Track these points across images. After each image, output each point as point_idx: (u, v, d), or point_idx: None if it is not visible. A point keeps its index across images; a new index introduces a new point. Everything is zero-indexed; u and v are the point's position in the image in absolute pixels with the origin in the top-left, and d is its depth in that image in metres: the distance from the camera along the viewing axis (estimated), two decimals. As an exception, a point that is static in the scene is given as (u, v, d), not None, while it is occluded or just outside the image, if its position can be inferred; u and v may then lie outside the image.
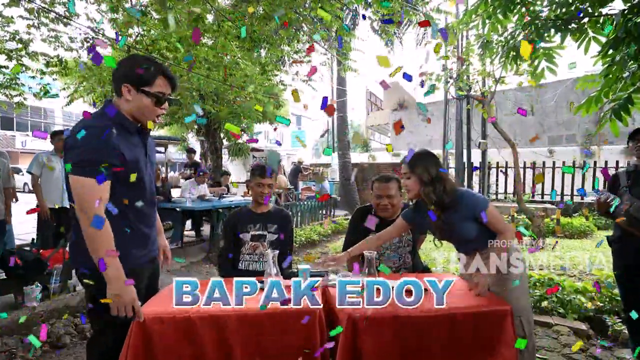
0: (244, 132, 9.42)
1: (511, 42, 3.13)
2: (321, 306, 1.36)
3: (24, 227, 5.16)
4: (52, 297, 2.93)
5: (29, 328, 2.68)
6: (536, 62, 3.12)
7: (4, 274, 2.80)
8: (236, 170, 12.72)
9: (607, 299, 2.94)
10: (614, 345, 2.53)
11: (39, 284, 2.81)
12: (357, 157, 15.47)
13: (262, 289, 1.52)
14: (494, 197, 9.33)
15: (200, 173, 5.85)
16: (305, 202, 7.33)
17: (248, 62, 5.59)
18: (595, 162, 8.86)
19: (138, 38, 4.75)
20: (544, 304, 2.98)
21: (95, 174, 1.21)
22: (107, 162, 1.24)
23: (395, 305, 1.40)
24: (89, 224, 1.20)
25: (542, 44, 2.95)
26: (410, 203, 1.89)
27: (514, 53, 3.16)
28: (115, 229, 1.28)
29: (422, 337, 1.34)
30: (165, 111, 1.42)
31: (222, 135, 9.19)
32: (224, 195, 6.20)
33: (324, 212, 8.01)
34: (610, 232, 2.33)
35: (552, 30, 2.69)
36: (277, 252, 1.52)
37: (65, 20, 4.41)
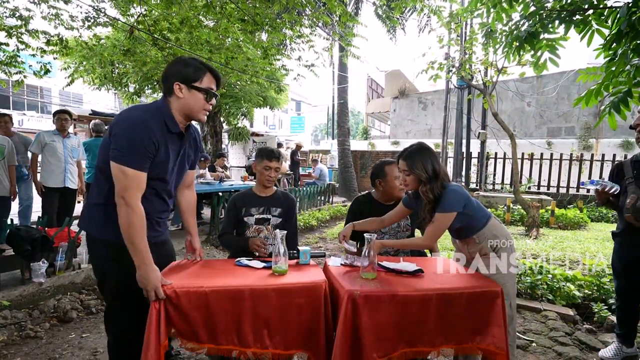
0: (244, 116, 9.40)
1: (515, 32, 3.14)
2: (325, 280, 1.45)
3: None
4: (57, 273, 3.01)
5: (37, 302, 2.77)
6: (539, 53, 3.12)
7: (11, 250, 2.86)
8: (236, 155, 12.71)
9: (595, 287, 3.05)
10: (598, 330, 2.65)
11: (45, 261, 2.87)
12: (356, 144, 15.47)
13: (267, 268, 1.60)
14: (491, 187, 9.43)
15: (202, 159, 5.88)
16: (305, 188, 7.39)
17: (250, 45, 5.55)
18: (592, 155, 8.93)
19: (140, 18, 4.70)
20: (535, 290, 3.09)
21: (139, 164, 1.32)
22: (148, 154, 1.33)
23: (392, 284, 1.48)
24: (126, 212, 1.30)
25: (546, 35, 2.95)
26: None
27: (517, 43, 3.16)
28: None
29: (417, 314, 1.41)
30: (212, 107, 1.49)
31: (221, 119, 9.18)
32: (224, 179, 6.24)
33: (322, 198, 8.08)
34: (603, 225, 2.39)
35: (557, 22, 2.70)
36: (285, 232, 1.57)
37: (65, -3, 4.35)
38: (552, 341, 2.44)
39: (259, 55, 6.07)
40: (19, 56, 4.57)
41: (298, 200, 6.86)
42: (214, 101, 1.48)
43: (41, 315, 2.67)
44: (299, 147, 10.58)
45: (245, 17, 4.88)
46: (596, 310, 2.80)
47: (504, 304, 1.48)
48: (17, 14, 4.38)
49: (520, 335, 2.48)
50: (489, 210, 1.84)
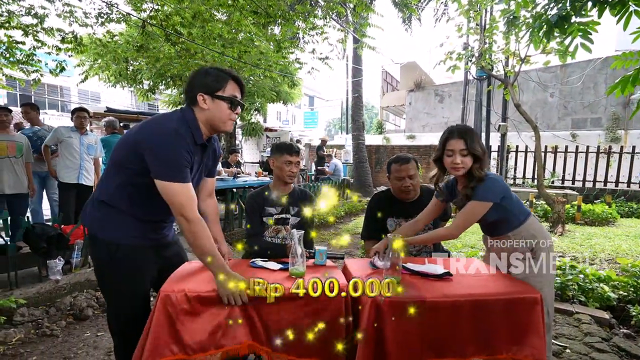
0: (257, 111, 9.35)
1: (544, 16, 2.94)
2: (345, 284, 1.33)
3: (46, 203, 5.30)
4: (74, 270, 3.01)
5: (54, 300, 2.78)
6: (568, 39, 2.90)
7: (28, 247, 2.87)
8: (250, 150, 12.72)
9: (632, 289, 2.84)
10: (637, 335, 2.46)
11: (61, 258, 2.87)
12: (371, 138, 15.24)
13: (284, 269, 1.50)
14: (512, 182, 9.10)
15: None
16: (319, 184, 7.29)
17: (263, 38, 5.45)
18: (622, 147, 8.48)
19: (152, 13, 4.66)
20: (565, 291, 2.91)
21: (184, 176, 1.30)
22: (189, 163, 1.32)
23: (418, 289, 1.36)
24: (189, 227, 1.30)
25: (578, 19, 2.74)
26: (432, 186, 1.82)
27: (546, 28, 2.95)
28: (123, 207, 1.35)
29: (446, 322, 1.30)
30: (237, 115, 1.46)
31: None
32: (239, 175, 6.21)
33: (337, 193, 7.96)
34: (634, 221, 2.21)
35: (589, 4, 2.50)
36: (302, 232, 1.47)
37: (79, -6, 4.34)
38: (588, 347, 2.27)
39: (272, 48, 5.97)
40: (35, 55, 4.60)
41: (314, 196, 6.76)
42: (239, 110, 1.44)
43: (58, 313, 2.67)
44: (324, 141, 10.44)
45: (258, 10, 4.77)
46: (634, 313, 2.61)
47: (543, 310, 1.35)
48: (33, 12, 4.40)
49: (553, 341, 2.32)
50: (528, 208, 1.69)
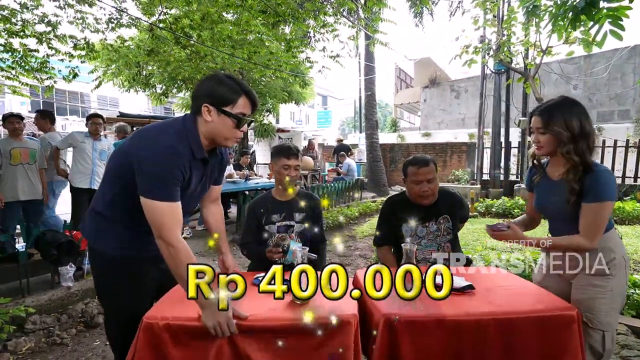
0: (269, 112, 9.31)
1: (569, 2, 2.73)
2: (355, 315, 1.17)
3: (59, 208, 5.40)
4: (85, 277, 3.00)
5: (66, 307, 2.77)
6: (595, 27, 2.67)
7: (39, 254, 2.88)
8: (262, 151, 12.71)
9: (673, 295, 2.61)
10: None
11: (72, 265, 2.87)
12: (384, 137, 14.99)
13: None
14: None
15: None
16: (332, 184, 7.17)
17: (273, 38, 5.38)
18: (652, 141, 8.01)
19: (161, 17, 4.65)
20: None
21: (171, 195, 1.19)
22: (178, 183, 1.21)
23: (438, 305, 1.22)
24: (169, 252, 1.17)
25: (606, 4, 2.53)
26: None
27: (571, 15, 2.74)
28: (125, 222, 1.30)
29: (469, 344, 1.16)
30: (242, 134, 1.34)
31: (247, 116, 9.12)
32: (250, 178, 6.16)
33: (350, 194, 7.83)
34: None
35: (621, -14, 2.30)
36: (306, 249, 1.35)
37: (90, 0, 4.37)
38: (626, 362, 2.07)
39: (282, 48, 5.90)
40: (49, 62, 4.67)
41: (325, 197, 6.65)
42: (245, 127, 1.32)
43: (69, 320, 2.65)
44: (340, 141, 10.30)
45: (267, 9, 4.70)
46: (677, 323, 2.38)
47: (580, 330, 1.19)
48: (46, 20, 4.46)
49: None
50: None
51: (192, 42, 4.99)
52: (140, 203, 1.23)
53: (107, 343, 2.38)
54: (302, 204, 1.94)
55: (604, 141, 8.10)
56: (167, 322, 1.12)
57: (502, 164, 8.76)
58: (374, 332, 1.15)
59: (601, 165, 1.39)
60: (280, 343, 1.10)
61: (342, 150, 9.28)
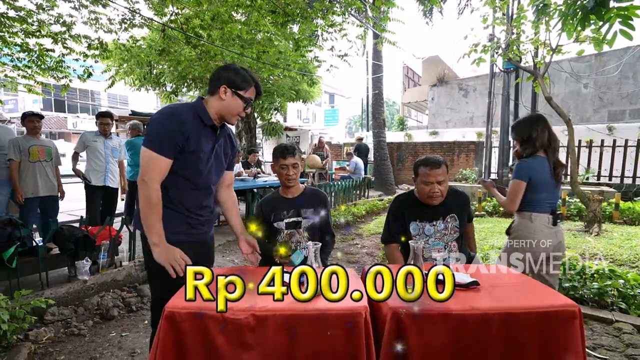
0: (277, 111, 9.37)
1: (578, 2, 2.73)
2: (366, 306, 1.21)
3: (74, 205, 5.56)
4: (100, 271, 3.10)
5: (82, 299, 2.87)
6: (606, 27, 2.68)
7: (57, 248, 2.98)
8: (270, 150, 12.81)
9: (681, 296, 2.61)
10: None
11: (88, 259, 2.96)
12: (392, 135, 14.96)
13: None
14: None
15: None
16: (339, 183, 7.22)
17: (281, 37, 5.43)
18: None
19: (172, 17, 4.73)
20: (603, 297, 2.71)
21: (163, 150, 1.40)
22: (175, 142, 1.40)
23: (445, 302, 1.27)
24: (144, 191, 1.38)
25: (616, 4, 2.53)
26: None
27: (581, 15, 2.74)
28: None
29: (474, 338, 1.20)
30: (244, 115, 1.60)
31: (255, 114, 9.21)
32: (259, 175, 6.23)
33: (357, 192, 7.86)
34: None
35: (632, -15, 2.30)
36: (319, 244, 1.39)
37: (103, 1, 4.47)
38: (631, 360, 2.10)
39: (291, 47, 5.94)
40: (64, 61, 4.78)
41: (332, 195, 6.69)
42: (249, 109, 1.59)
43: (85, 312, 2.75)
44: (360, 140, 10.26)
45: (276, 9, 4.75)
46: (684, 323, 2.39)
47: (582, 325, 1.23)
48: (61, 21, 4.57)
49: (590, 352, 2.16)
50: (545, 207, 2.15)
51: (202, 41, 5.07)
52: (181, 185, 1.48)
53: (123, 334, 2.49)
54: (309, 200, 2.00)
55: (614, 141, 8.01)
56: (189, 311, 1.17)
57: (510, 163, 8.71)
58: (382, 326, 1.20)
59: (531, 159, 2.13)
60: (295, 331, 1.16)
61: (361, 149, 9.28)
